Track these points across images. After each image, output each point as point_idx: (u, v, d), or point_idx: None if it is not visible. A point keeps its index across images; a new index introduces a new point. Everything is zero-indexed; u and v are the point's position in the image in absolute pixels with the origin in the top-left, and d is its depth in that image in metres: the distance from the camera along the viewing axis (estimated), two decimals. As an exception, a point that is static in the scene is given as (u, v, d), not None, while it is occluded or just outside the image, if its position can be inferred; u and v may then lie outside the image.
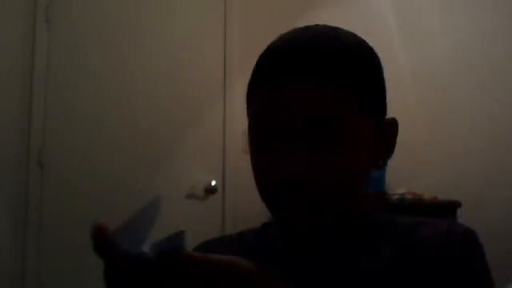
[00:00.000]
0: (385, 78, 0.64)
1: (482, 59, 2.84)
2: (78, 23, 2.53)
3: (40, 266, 2.37)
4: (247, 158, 0.64)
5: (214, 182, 2.64)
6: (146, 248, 0.43)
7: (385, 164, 0.64)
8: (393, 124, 0.66)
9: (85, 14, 2.55)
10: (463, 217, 2.51)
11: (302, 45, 0.58)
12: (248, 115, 0.61)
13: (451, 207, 2.52)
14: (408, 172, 2.79)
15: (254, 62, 0.63)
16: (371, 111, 0.61)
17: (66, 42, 2.50)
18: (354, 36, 0.63)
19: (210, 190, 2.65)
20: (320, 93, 0.56)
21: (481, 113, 2.83)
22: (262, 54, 0.61)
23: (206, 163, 2.69)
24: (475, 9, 2.88)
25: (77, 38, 2.52)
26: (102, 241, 0.44)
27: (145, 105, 2.60)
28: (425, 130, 2.84)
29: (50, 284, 2.38)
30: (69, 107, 2.49)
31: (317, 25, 0.62)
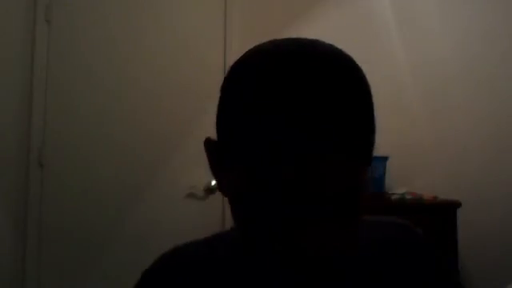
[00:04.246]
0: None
1: (482, 59, 2.84)
2: (78, 23, 2.53)
3: (40, 266, 2.37)
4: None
5: (213, 182, 2.64)
6: None
7: None
8: None
9: (85, 14, 2.55)
10: (463, 217, 2.52)
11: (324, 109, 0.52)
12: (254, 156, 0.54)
13: (451, 207, 2.53)
14: (408, 172, 2.80)
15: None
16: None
17: (66, 42, 2.50)
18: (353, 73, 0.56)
19: (210, 190, 2.65)
20: (355, 167, 0.54)
21: (481, 113, 2.83)
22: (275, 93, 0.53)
23: (206, 163, 2.68)
24: (475, 9, 2.88)
25: (77, 38, 2.52)
26: None
27: (145, 105, 2.60)
28: (425, 129, 2.84)
29: (50, 284, 2.38)
30: (69, 107, 2.49)
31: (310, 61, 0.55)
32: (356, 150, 0.53)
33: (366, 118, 0.55)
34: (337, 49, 0.57)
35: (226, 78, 0.60)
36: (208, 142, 0.63)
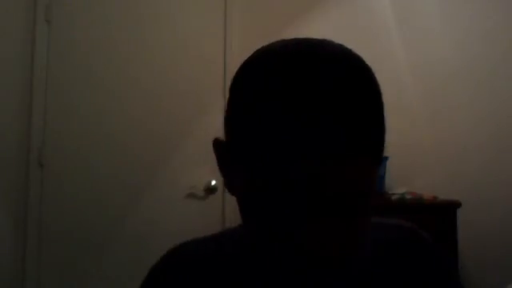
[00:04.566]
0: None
1: (483, 59, 2.84)
2: (78, 23, 2.53)
3: (40, 266, 2.37)
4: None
5: (213, 182, 2.64)
6: None
7: None
8: None
9: (85, 14, 2.55)
10: (463, 217, 2.52)
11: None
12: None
13: (451, 207, 2.53)
14: (408, 172, 2.79)
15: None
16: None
17: (66, 42, 2.50)
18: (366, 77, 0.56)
19: (210, 190, 2.65)
20: (366, 168, 0.54)
21: (481, 113, 2.83)
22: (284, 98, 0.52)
23: (206, 163, 2.69)
24: (475, 8, 2.88)
25: (77, 38, 2.52)
26: None
27: (145, 105, 2.60)
28: (425, 129, 2.84)
29: (50, 284, 2.38)
30: (69, 107, 2.49)
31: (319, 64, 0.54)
32: (360, 149, 0.53)
33: (373, 117, 0.54)
34: (346, 49, 0.57)
35: (234, 78, 0.60)
36: (216, 143, 0.63)
